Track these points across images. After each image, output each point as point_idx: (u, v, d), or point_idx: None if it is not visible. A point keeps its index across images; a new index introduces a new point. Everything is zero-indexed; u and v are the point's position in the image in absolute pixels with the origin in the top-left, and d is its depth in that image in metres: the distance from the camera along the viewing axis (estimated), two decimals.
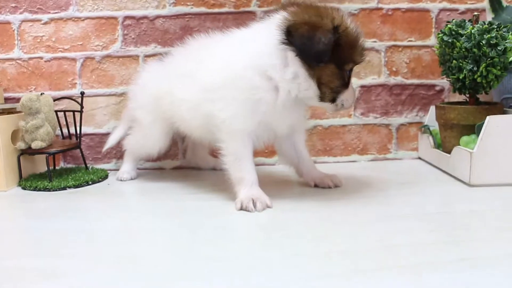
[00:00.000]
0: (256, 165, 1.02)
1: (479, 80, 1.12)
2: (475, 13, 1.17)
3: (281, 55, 0.92)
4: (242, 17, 1.35)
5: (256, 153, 1.17)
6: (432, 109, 1.34)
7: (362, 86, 1.39)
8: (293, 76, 0.93)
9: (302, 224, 0.86)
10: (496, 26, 1.11)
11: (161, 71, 1.17)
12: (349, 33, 0.93)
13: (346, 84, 0.97)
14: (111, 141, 1.32)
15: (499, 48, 1.09)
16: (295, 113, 1.01)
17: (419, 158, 1.41)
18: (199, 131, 1.09)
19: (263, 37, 0.94)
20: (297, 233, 0.81)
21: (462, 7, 1.39)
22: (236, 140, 0.99)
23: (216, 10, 1.35)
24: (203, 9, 1.35)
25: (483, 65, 1.10)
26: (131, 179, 1.28)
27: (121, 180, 1.26)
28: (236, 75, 0.94)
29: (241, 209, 0.92)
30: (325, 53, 0.90)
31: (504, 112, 1.19)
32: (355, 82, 1.38)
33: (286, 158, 1.16)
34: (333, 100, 0.97)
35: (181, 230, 0.86)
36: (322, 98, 0.96)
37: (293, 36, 0.90)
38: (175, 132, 1.21)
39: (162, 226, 0.89)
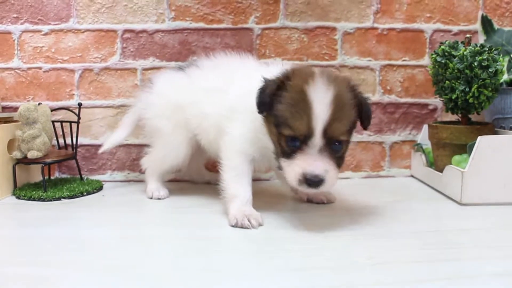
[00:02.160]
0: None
1: (471, 100, 1.14)
2: (467, 35, 1.20)
3: None
4: (239, 34, 1.37)
5: None
6: (425, 127, 1.35)
7: None
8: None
9: (293, 239, 0.87)
10: (487, 49, 1.14)
11: (183, 81, 1.16)
12: (293, 92, 0.86)
13: (284, 153, 0.87)
14: (108, 144, 1.27)
15: (490, 70, 1.12)
16: None
17: (412, 176, 1.42)
18: (215, 145, 1.08)
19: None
20: (288, 248, 0.82)
21: (455, 28, 1.42)
22: (237, 158, 1.00)
23: (214, 26, 1.37)
24: (201, 25, 1.37)
25: (475, 86, 1.13)
26: (167, 196, 1.21)
27: (158, 199, 1.19)
28: (251, 106, 0.93)
29: (236, 225, 0.93)
30: (263, 103, 0.89)
31: (495, 132, 1.21)
32: None
33: (281, 174, 1.17)
34: (280, 167, 0.91)
35: (173, 242, 0.87)
36: (276, 158, 0.93)
37: None
38: (196, 142, 1.17)
39: (155, 237, 0.90)
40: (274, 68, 0.97)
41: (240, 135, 1.00)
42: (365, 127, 0.94)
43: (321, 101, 0.83)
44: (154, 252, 0.82)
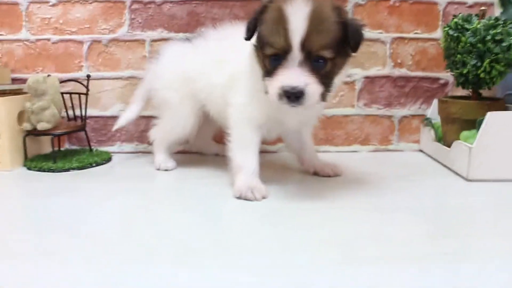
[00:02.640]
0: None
1: (482, 75, 1.12)
2: (482, 8, 1.17)
3: None
4: (249, 4, 1.35)
5: None
6: (435, 102, 1.34)
7: (366, 77, 1.39)
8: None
9: (297, 211, 0.87)
10: (502, 22, 1.11)
11: (191, 52, 1.16)
12: (272, 11, 0.87)
13: (268, 72, 0.89)
14: (121, 121, 1.28)
15: (503, 44, 1.09)
16: (306, 111, 0.96)
17: (421, 150, 1.41)
18: (224, 116, 1.08)
19: None
20: (293, 220, 0.83)
21: (470, 0, 1.38)
22: (243, 128, 1.00)
23: None
24: None
25: (487, 60, 1.10)
26: (175, 167, 1.22)
27: (165, 170, 1.21)
28: (250, 69, 0.95)
29: (240, 197, 0.94)
30: (248, 29, 0.91)
31: (506, 108, 1.20)
32: (358, 72, 1.39)
33: (290, 146, 1.19)
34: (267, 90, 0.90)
35: (180, 214, 0.88)
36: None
37: None
38: (203, 113, 1.19)
39: (161, 209, 0.91)
40: None
41: (244, 102, 1.00)
42: (352, 49, 0.91)
43: (298, 16, 0.83)
44: (159, 225, 0.83)
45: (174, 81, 1.17)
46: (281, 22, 0.84)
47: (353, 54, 0.92)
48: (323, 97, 0.89)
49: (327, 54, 0.85)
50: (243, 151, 1.00)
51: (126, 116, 1.29)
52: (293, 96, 0.83)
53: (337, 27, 0.86)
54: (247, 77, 0.98)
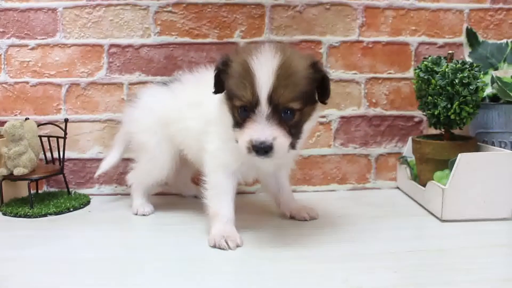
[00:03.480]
0: (236, 193, 1.03)
1: (452, 117, 1.15)
2: (449, 52, 1.21)
3: None
4: (225, 48, 1.37)
5: None
6: (410, 140, 1.37)
7: (342, 117, 1.42)
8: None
9: (271, 260, 0.88)
10: (468, 66, 1.15)
11: (168, 96, 1.17)
12: (235, 66, 0.90)
13: (237, 123, 0.91)
14: (104, 166, 1.29)
15: (471, 87, 1.13)
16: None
17: (397, 187, 1.43)
18: (200, 160, 1.09)
19: None
20: (264, 270, 0.83)
21: (440, 41, 1.43)
22: (218, 175, 1.01)
23: (200, 40, 1.38)
24: (187, 39, 1.38)
25: (456, 103, 1.14)
26: (152, 212, 1.22)
27: (143, 215, 1.20)
28: (223, 115, 0.96)
29: (214, 246, 0.94)
30: (215, 83, 0.93)
31: (478, 147, 1.23)
32: (334, 113, 1.41)
33: (267, 188, 1.19)
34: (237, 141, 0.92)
35: (156, 263, 0.88)
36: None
37: None
38: (181, 156, 1.19)
39: (136, 259, 0.91)
40: None
41: (217, 148, 1.00)
42: (323, 101, 0.94)
43: (264, 70, 0.85)
44: (134, 276, 0.82)
45: (151, 125, 1.18)
46: (248, 76, 0.86)
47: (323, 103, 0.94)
48: (293, 146, 0.91)
49: (295, 105, 0.87)
50: (219, 199, 1.00)
51: (108, 161, 1.29)
52: (262, 150, 0.85)
53: (307, 79, 0.88)
54: (219, 123, 0.99)
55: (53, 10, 1.37)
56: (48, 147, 1.35)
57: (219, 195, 1.00)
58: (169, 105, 1.16)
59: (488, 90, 1.26)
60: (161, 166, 1.19)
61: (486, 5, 1.43)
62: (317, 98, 0.94)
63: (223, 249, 0.93)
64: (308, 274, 0.81)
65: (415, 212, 1.19)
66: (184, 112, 1.10)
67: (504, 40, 1.35)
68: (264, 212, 1.21)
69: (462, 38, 1.38)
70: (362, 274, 0.81)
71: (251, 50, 0.88)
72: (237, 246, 0.94)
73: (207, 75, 1.11)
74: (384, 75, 1.42)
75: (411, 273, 0.82)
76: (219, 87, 0.93)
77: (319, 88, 0.92)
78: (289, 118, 0.88)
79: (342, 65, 1.40)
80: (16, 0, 1.36)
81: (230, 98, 0.91)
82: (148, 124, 1.19)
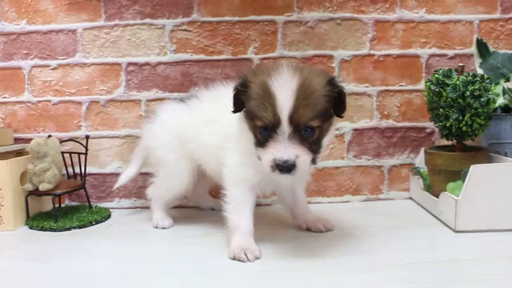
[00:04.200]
0: None
1: (464, 128, 1.17)
2: (460, 64, 1.23)
3: None
4: (239, 64, 1.41)
5: None
6: (423, 151, 1.38)
7: (355, 130, 1.44)
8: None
9: (289, 272, 0.91)
10: (479, 78, 1.17)
11: (185, 112, 1.20)
12: (254, 87, 0.92)
13: (259, 142, 0.93)
14: (122, 180, 1.33)
15: (482, 99, 1.15)
16: None
17: (411, 198, 1.45)
18: (219, 174, 1.11)
19: None
20: (283, 282, 0.86)
21: (451, 52, 1.45)
22: (238, 188, 1.04)
23: (214, 57, 1.42)
24: (202, 56, 1.42)
25: (468, 115, 1.16)
26: (172, 225, 1.25)
27: (163, 228, 1.23)
28: (242, 131, 0.99)
29: (234, 258, 0.97)
30: (234, 103, 0.96)
31: (490, 158, 1.24)
32: (347, 125, 1.44)
33: (283, 200, 1.22)
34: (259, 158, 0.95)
35: (177, 276, 0.91)
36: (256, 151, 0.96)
37: None
38: (199, 171, 1.22)
39: (156, 272, 0.94)
40: None
41: (237, 164, 1.03)
42: (339, 115, 0.97)
43: (284, 91, 0.88)
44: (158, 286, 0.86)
45: (169, 141, 1.21)
46: (268, 98, 0.89)
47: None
48: (314, 161, 0.94)
49: (315, 123, 0.90)
50: (238, 212, 1.03)
51: (126, 175, 1.34)
52: (285, 169, 0.88)
53: (325, 97, 0.92)
54: (239, 139, 1.02)
55: (73, 31, 1.43)
56: (70, 163, 1.40)
57: (239, 208, 1.03)
58: (187, 121, 1.19)
59: (500, 101, 1.28)
60: (180, 182, 1.22)
61: (496, 15, 1.45)
62: (333, 112, 0.97)
63: (242, 261, 0.96)
64: (326, 285, 0.84)
65: (428, 222, 1.21)
66: (202, 128, 1.14)
67: None
68: (280, 224, 1.24)
69: (473, 49, 1.39)
70: (377, 284, 0.84)
71: (270, 71, 0.91)
72: (256, 258, 0.97)
73: (223, 92, 1.14)
74: (396, 88, 1.45)
75: (426, 284, 0.84)
76: (238, 106, 0.97)
77: (335, 102, 0.95)
78: (310, 136, 0.91)
79: (354, 78, 1.43)
80: (38, 22, 1.42)
81: (251, 118, 0.94)
82: (167, 140, 1.22)
